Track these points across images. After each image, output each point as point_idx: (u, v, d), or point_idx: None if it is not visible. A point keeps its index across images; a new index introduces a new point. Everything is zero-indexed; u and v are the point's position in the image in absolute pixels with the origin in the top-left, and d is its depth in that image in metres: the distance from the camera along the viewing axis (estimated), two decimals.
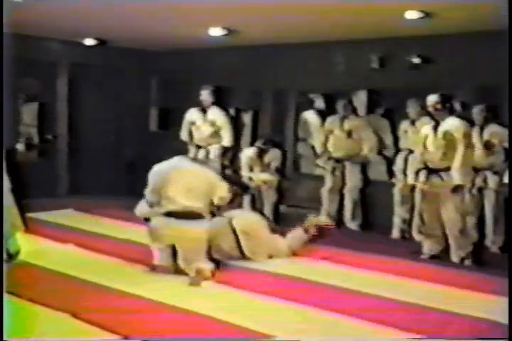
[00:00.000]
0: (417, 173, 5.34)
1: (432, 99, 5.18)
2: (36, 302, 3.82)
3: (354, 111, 6.96)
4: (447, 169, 5.11)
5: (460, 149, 5.04)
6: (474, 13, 5.44)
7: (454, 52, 6.48)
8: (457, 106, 5.78)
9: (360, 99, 7.15)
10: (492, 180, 5.77)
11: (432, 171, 5.24)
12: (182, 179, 4.55)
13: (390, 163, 6.75)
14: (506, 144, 5.68)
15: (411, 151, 6.20)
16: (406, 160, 6.23)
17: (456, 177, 5.05)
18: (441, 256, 5.33)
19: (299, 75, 7.61)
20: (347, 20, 6.00)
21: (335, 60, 7.34)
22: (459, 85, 6.36)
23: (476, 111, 5.86)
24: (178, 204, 4.51)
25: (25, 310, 3.69)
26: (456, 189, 5.09)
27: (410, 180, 5.53)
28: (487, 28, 5.75)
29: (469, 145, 5.11)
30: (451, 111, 5.23)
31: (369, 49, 7.02)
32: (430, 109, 5.23)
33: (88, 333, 3.40)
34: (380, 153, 6.90)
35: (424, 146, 5.29)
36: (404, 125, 6.35)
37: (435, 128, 5.22)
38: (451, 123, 5.12)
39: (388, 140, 6.89)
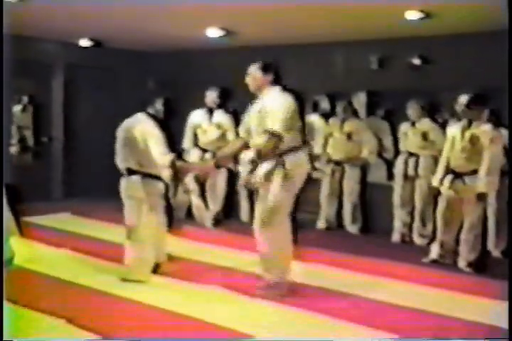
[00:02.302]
0: (442, 177, 5.11)
1: (464, 97, 4.98)
2: (31, 307, 3.76)
3: (354, 113, 6.88)
4: (471, 173, 4.93)
5: (486, 155, 4.83)
6: (475, 14, 5.41)
7: (455, 53, 6.44)
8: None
9: (360, 100, 7.09)
10: None
11: (456, 175, 5.04)
12: (126, 135, 4.53)
13: (389, 165, 6.69)
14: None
15: (411, 154, 6.14)
16: (406, 163, 6.16)
17: (481, 184, 4.85)
18: (443, 261, 5.25)
19: (298, 76, 7.53)
20: (346, 20, 5.96)
21: (334, 60, 7.28)
22: (460, 86, 6.30)
23: None
24: (124, 160, 4.54)
25: (20, 316, 3.62)
26: (481, 196, 4.93)
27: (436, 182, 5.23)
28: (488, 28, 5.72)
29: (497, 151, 4.93)
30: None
31: (368, 50, 6.97)
32: (462, 108, 4.99)
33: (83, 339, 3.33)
34: (379, 155, 6.83)
35: (452, 148, 5.08)
36: (404, 127, 6.27)
37: (465, 128, 5.01)
38: (480, 127, 4.96)
39: (388, 142, 6.82)
